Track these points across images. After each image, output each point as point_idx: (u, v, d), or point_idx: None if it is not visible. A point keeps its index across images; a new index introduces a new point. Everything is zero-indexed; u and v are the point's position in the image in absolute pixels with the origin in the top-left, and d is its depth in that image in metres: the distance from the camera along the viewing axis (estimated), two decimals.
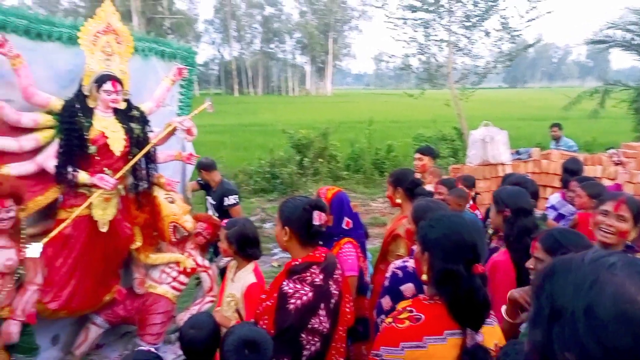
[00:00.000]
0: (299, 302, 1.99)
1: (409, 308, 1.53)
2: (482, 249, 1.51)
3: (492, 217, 2.81)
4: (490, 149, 6.03)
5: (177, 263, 3.70)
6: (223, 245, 2.72)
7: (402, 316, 1.51)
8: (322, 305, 2.06)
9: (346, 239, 2.81)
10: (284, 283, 2.04)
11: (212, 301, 3.73)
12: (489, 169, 6.29)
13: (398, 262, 2.44)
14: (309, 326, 2.01)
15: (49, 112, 2.96)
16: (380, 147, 12.97)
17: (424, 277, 1.56)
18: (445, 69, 13.12)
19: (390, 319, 1.53)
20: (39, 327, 3.01)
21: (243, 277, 2.60)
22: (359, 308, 2.79)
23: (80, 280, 3.15)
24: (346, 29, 72.81)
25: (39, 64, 2.98)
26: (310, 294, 2.02)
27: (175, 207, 3.61)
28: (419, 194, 3.24)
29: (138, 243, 3.49)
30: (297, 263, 2.10)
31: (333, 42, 68.84)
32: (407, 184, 3.34)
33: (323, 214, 2.15)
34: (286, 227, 2.13)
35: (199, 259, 3.80)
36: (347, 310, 2.27)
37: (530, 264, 1.92)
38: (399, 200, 3.34)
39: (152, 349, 1.95)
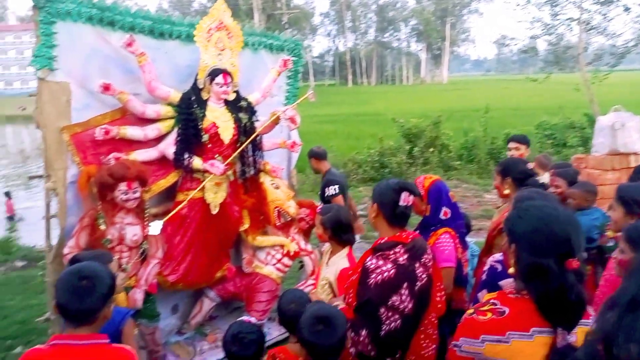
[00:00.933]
0: (379, 277, 2.03)
1: (492, 301, 1.45)
2: (578, 244, 1.37)
3: (615, 217, 2.52)
4: (621, 136, 5.35)
5: (282, 246, 3.88)
6: (318, 230, 2.79)
7: (484, 308, 1.44)
8: (405, 285, 2.05)
9: (444, 229, 2.72)
10: (368, 259, 2.10)
11: (314, 284, 3.86)
12: (619, 159, 5.59)
13: (497, 256, 2.31)
14: (389, 303, 2.02)
15: (169, 104, 3.28)
16: (497, 136, 12.23)
17: (511, 270, 1.46)
18: (574, 50, 11.90)
19: (472, 310, 1.47)
20: (160, 296, 3.37)
21: (337, 262, 2.66)
22: (457, 301, 2.70)
23: (195, 257, 3.46)
24: (465, 13, 69.40)
25: (162, 60, 3.31)
26: (392, 272, 2.04)
27: (280, 192, 3.79)
28: (531, 185, 3.01)
29: (246, 225, 3.73)
30: (383, 241, 2.14)
31: (450, 28, 66.09)
32: (516, 174, 3.12)
33: (411, 196, 2.16)
34: (375, 205, 2.19)
35: (302, 243, 3.95)
36: (438, 299, 2.22)
37: (615, 254, 1.72)
38: (507, 191, 3.14)
39: (252, 320, 2.09)
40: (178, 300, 3.82)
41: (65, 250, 2.86)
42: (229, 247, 3.80)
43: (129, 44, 2.94)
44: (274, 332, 3.88)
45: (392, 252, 2.09)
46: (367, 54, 71.69)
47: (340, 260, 2.65)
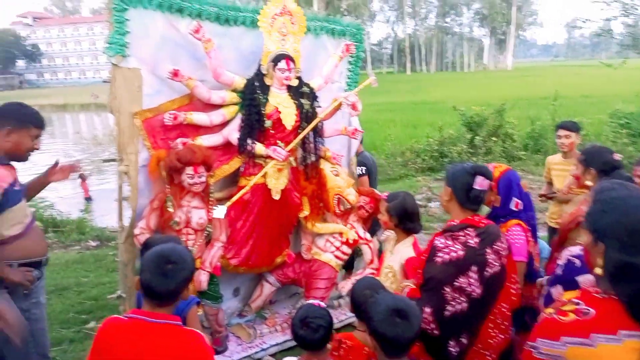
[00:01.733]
0: (446, 257, 2.02)
1: (575, 300, 1.35)
2: None
3: None
4: None
5: (341, 234, 3.86)
6: (383, 217, 2.74)
7: (566, 308, 1.34)
8: (475, 269, 2.02)
9: (514, 221, 2.59)
10: (437, 238, 2.10)
11: (372, 273, 3.82)
12: None
13: (575, 249, 2.16)
14: (455, 283, 2.01)
15: (234, 90, 3.32)
16: None
17: (598, 270, 1.34)
18: None
19: (551, 310, 1.37)
20: (223, 279, 3.46)
21: (401, 250, 2.60)
22: (527, 297, 2.57)
23: (256, 241, 3.51)
24: None
25: (227, 46, 3.35)
26: (460, 252, 2.02)
27: (340, 180, 3.76)
28: (617, 178, 2.80)
29: (306, 212, 3.74)
30: (454, 223, 2.13)
31: (517, 11, 62.99)
32: (600, 165, 2.93)
33: (486, 181, 2.12)
34: (448, 187, 2.18)
35: (361, 232, 3.91)
36: (513, 291, 2.15)
37: None
38: (589, 182, 2.94)
39: (322, 304, 2.09)
40: (240, 284, 3.91)
41: (136, 231, 2.98)
42: (289, 233, 3.82)
43: (196, 31, 3.00)
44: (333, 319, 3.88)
45: (462, 233, 2.07)
46: (427, 40, 69.89)
47: (405, 249, 2.59)
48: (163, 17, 3.05)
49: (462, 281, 2.01)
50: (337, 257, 3.89)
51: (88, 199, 10.18)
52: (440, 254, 2.04)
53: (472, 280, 2.02)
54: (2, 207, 2.36)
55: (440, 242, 2.07)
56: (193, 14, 3.14)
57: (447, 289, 2.00)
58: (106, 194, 9.11)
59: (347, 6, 47.95)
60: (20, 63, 75.71)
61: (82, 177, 10.22)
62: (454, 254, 2.02)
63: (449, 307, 2.00)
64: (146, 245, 2.38)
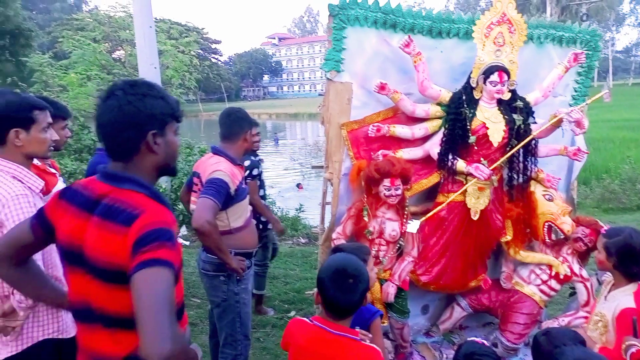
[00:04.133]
0: None
1: None
2: None
3: None
4: None
5: (550, 266, 3.42)
6: (600, 255, 2.31)
7: None
8: None
9: None
10: None
11: (585, 317, 3.28)
12: None
13: None
14: None
15: (439, 104, 3.24)
16: None
17: None
18: None
19: None
20: (412, 295, 3.41)
21: (618, 298, 2.15)
22: None
23: (449, 261, 3.36)
24: None
25: (437, 59, 3.30)
26: None
27: (553, 205, 3.33)
28: None
29: (508, 237, 3.43)
30: None
31: None
32: None
33: None
34: None
35: (576, 267, 3.39)
36: None
37: None
38: None
39: (486, 342, 1.88)
40: (429, 302, 3.80)
41: (334, 235, 3.15)
42: (487, 257, 3.55)
43: (407, 45, 3.02)
44: (529, 359, 3.46)
45: None
46: None
47: (623, 297, 2.14)
48: (377, 33, 3.17)
49: None
50: (542, 291, 3.46)
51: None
52: None
53: None
54: (233, 201, 2.71)
55: None
56: (406, 29, 3.18)
57: None
58: (319, 196, 9.98)
59: (588, 10, 42.46)
60: (266, 77, 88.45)
61: (298, 186, 11.62)
62: None
63: None
64: (335, 251, 2.49)
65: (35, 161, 2.16)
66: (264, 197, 4.19)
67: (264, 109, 49.29)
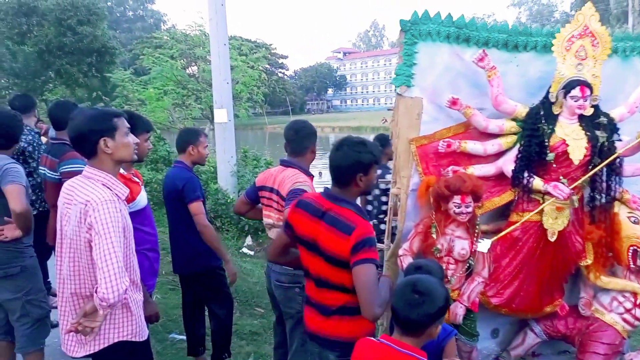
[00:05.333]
0: None
1: None
2: None
3: None
4: None
5: (634, 294, 3.18)
6: None
7: None
8: None
9: None
10: None
11: None
12: None
13: None
14: None
15: (514, 119, 3.13)
16: None
17: None
18: None
19: None
20: (482, 317, 3.27)
21: None
22: None
23: (522, 283, 3.20)
24: None
25: (512, 73, 3.19)
26: None
27: (639, 229, 3.10)
28: None
29: (588, 260, 3.22)
30: None
31: None
32: None
33: None
34: None
35: None
36: None
37: None
38: None
39: None
40: (499, 325, 3.63)
41: (400, 252, 3.11)
42: (564, 281, 3.35)
43: (481, 59, 2.96)
44: None
45: None
46: None
47: None
48: (449, 48, 3.13)
49: None
50: (625, 320, 3.21)
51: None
52: None
53: None
54: None
55: None
56: (480, 43, 3.11)
57: None
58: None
59: None
60: (330, 91, 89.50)
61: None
62: None
63: None
64: (415, 266, 2.45)
65: (122, 170, 2.31)
66: None
67: (327, 122, 49.83)
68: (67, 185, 2.01)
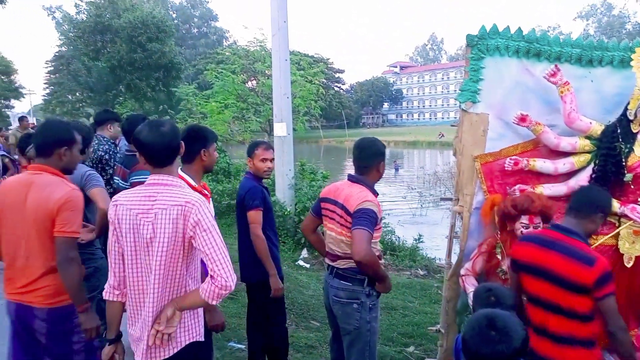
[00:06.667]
0: None
1: None
2: None
3: None
4: None
5: None
6: None
7: None
8: None
9: None
10: None
11: None
12: None
13: None
14: None
15: (588, 137, 2.98)
16: None
17: None
18: None
19: None
20: None
21: None
22: None
23: None
24: None
25: (586, 89, 3.06)
26: None
27: None
28: None
29: None
30: None
31: None
32: None
33: None
34: None
35: None
36: None
37: None
38: None
39: None
40: None
41: (462, 272, 3.02)
42: None
43: (553, 75, 2.85)
44: None
45: None
46: None
47: None
48: (518, 63, 3.04)
49: None
50: None
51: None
52: None
53: None
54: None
55: None
56: (551, 58, 3.00)
57: None
58: (437, 228, 9.67)
59: None
60: (385, 105, 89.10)
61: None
62: None
63: None
64: (486, 289, 2.35)
65: (193, 183, 2.41)
66: None
67: (382, 137, 48.74)
68: (138, 194, 2.02)
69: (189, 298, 2.00)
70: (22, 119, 10.56)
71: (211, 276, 1.90)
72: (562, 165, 3.03)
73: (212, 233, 1.93)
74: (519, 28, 3.06)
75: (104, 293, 2.11)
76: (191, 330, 2.10)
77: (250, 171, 3.38)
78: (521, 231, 2.80)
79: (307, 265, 6.70)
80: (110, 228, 2.04)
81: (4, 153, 6.36)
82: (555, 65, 2.88)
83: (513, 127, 3.05)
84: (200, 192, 2.37)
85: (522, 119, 2.91)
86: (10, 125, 34.14)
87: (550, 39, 3.05)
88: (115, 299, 2.08)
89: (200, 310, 2.18)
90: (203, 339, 2.16)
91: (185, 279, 2.03)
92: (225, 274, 1.89)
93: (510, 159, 3.01)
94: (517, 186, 3.01)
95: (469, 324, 1.71)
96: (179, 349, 2.05)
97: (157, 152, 2.03)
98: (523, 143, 3.11)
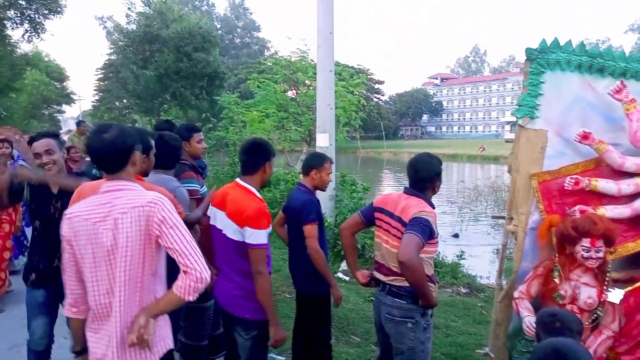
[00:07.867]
0: None
1: None
2: None
3: None
4: None
5: None
6: None
7: None
8: None
9: None
10: None
11: None
12: None
13: None
14: None
15: None
16: None
17: None
18: None
19: None
20: None
21: None
22: None
23: None
24: None
25: None
26: None
27: None
28: None
29: None
30: None
31: None
32: None
33: None
34: None
35: None
36: None
37: None
38: None
39: None
40: None
41: (515, 294, 2.89)
42: None
43: (618, 91, 2.72)
44: None
45: None
46: None
47: None
48: (580, 78, 2.93)
49: None
50: None
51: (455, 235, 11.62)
52: None
53: None
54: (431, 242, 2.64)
55: None
56: (616, 73, 2.88)
57: None
58: (481, 247, 9.41)
59: None
60: (425, 117, 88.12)
61: (456, 236, 11.41)
62: None
63: None
64: (551, 315, 2.23)
65: (257, 193, 2.46)
66: None
67: (421, 149, 48.78)
68: (91, 203, 1.93)
69: (164, 301, 1.92)
70: (79, 123, 10.84)
71: (184, 272, 1.85)
72: (626, 186, 2.87)
73: (179, 229, 1.88)
74: (582, 42, 2.95)
75: (63, 310, 2.05)
76: (166, 338, 2.05)
77: (305, 183, 3.35)
78: (582, 255, 2.67)
79: (347, 278, 6.62)
80: (64, 244, 1.94)
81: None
82: (621, 82, 2.75)
83: (573, 145, 2.92)
84: (262, 202, 2.40)
85: (585, 137, 2.79)
86: (61, 129, 35.73)
87: (615, 54, 2.93)
88: (74, 317, 2.02)
89: (167, 317, 2.07)
90: (174, 346, 2.11)
91: (153, 285, 1.95)
92: (199, 267, 1.83)
93: (571, 178, 2.88)
94: (578, 207, 2.88)
95: (534, 356, 1.61)
96: (161, 355, 1.99)
97: (101, 157, 1.94)
98: (584, 162, 2.97)
